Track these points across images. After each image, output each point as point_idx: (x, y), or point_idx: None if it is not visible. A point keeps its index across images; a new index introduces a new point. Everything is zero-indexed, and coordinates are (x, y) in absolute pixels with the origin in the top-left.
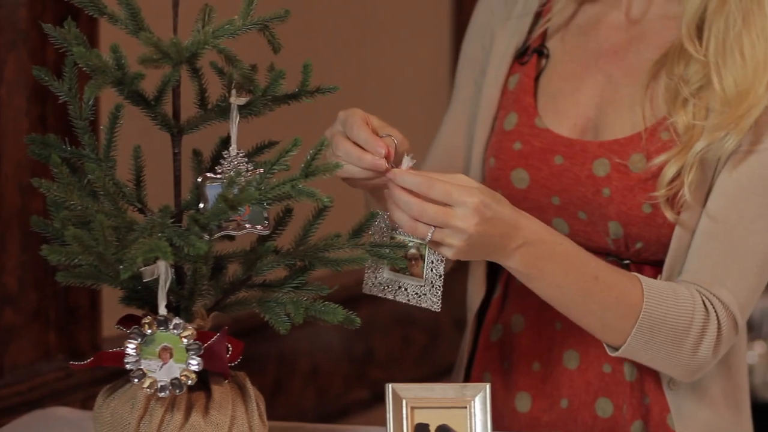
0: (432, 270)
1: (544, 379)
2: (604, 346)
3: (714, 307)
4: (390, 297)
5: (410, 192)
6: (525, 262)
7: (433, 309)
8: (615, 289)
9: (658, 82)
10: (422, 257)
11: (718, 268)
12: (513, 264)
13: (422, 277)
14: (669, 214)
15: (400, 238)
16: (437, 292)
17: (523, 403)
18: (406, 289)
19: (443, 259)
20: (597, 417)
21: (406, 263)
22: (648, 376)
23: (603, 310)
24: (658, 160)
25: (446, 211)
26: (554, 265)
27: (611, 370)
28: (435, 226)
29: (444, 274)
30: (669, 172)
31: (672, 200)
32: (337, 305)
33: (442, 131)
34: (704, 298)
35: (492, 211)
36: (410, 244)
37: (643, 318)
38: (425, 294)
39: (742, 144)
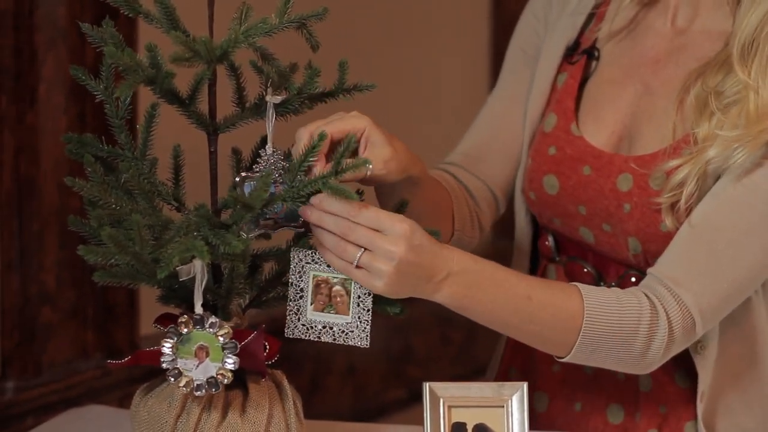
0: (359, 305)
1: (562, 381)
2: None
3: (665, 308)
4: (314, 338)
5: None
6: (453, 294)
7: (361, 346)
8: (550, 305)
9: (690, 94)
10: (348, 293)
11: (691, 268)
12: (441, 298)
13: (348, 315)
14: (669, 221)
15: (323, 275)
16: (365, 327)
17: (540, 402)
18: (331, 328)
19: (370, 292)
20: (607, 423)
21: (331, 299)
22: (668, 385)
23: (542, 327)
24: (671, 164)
25: (375, 233)
26: (483, 293)
27: (625, 378)
28: (364, 249)
29: (372, 309)
30: (677, 177)
31: (674, 207)
32: None
33: (494, 111)
34: (655, 298)
35: (419, 239)
36: (334, 280)
37: (585, 330)
38: (352, 331)
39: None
